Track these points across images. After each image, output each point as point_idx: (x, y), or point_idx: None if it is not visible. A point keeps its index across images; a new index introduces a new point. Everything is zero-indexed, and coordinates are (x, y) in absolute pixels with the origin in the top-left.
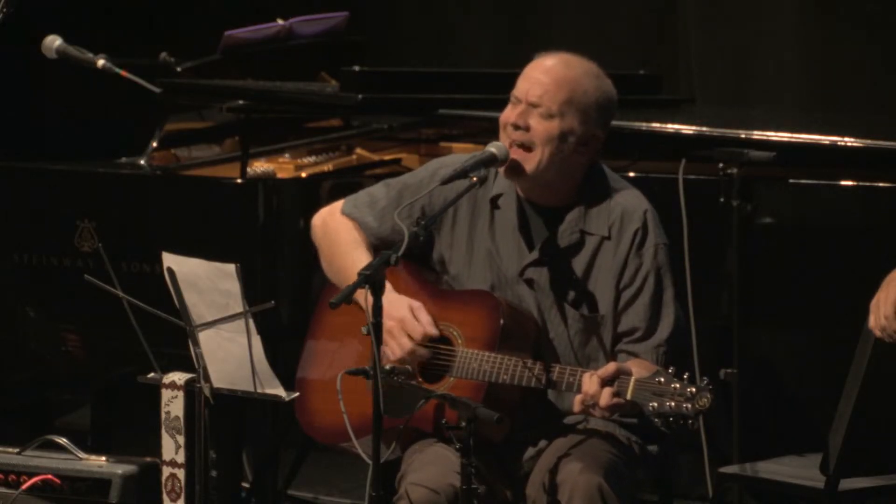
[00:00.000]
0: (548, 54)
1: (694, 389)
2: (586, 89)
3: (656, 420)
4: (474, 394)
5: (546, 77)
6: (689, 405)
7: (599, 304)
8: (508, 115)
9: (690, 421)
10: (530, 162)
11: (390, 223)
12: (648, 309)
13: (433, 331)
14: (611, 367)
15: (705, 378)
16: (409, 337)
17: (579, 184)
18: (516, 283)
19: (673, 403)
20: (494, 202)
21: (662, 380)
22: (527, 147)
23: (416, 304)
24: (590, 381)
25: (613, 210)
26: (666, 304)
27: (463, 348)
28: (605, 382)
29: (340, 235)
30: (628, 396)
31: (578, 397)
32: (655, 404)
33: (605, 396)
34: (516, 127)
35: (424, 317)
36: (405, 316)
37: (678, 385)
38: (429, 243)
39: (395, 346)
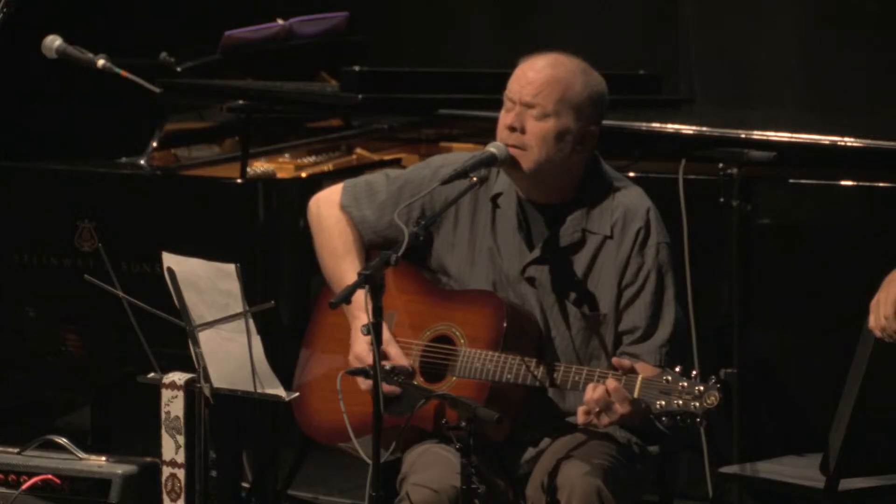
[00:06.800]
0: (535, 56)
1: (702, 388)
2: (577, 86)
3: (664, 419)
4: (477, 393)
5: (538, 76)
6: (697, 403)
7: (601, 303)
8: (504, 118)
9: (699, 419)
10: (527, 159)
11: (389, 218)
12: (649, 308)
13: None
14: (625, 360)
15: (713, 377)
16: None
17: (580, 181)
18: (518, 282)
19: (680, 402)
20: (495, 201)
21: (669, 378)
22: (523, 148)
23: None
24: (593, 390)
25: (616, 209)
26: (667, 303)
27: (465, 348)
28: (624, 372)
29: (333, 236)
30: (636, 395)
31: (582, 408)
32: (663, 402)
33: (617, 392)
34: (512, 129)
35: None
36: (360, 352)
37: (685, 384)
38: (427, 243)
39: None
